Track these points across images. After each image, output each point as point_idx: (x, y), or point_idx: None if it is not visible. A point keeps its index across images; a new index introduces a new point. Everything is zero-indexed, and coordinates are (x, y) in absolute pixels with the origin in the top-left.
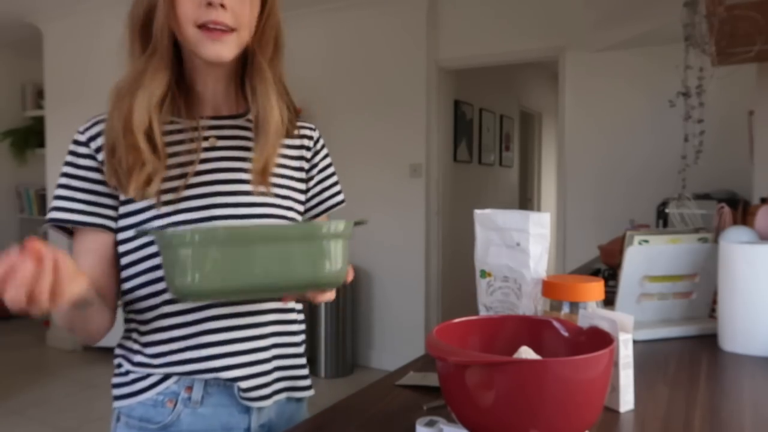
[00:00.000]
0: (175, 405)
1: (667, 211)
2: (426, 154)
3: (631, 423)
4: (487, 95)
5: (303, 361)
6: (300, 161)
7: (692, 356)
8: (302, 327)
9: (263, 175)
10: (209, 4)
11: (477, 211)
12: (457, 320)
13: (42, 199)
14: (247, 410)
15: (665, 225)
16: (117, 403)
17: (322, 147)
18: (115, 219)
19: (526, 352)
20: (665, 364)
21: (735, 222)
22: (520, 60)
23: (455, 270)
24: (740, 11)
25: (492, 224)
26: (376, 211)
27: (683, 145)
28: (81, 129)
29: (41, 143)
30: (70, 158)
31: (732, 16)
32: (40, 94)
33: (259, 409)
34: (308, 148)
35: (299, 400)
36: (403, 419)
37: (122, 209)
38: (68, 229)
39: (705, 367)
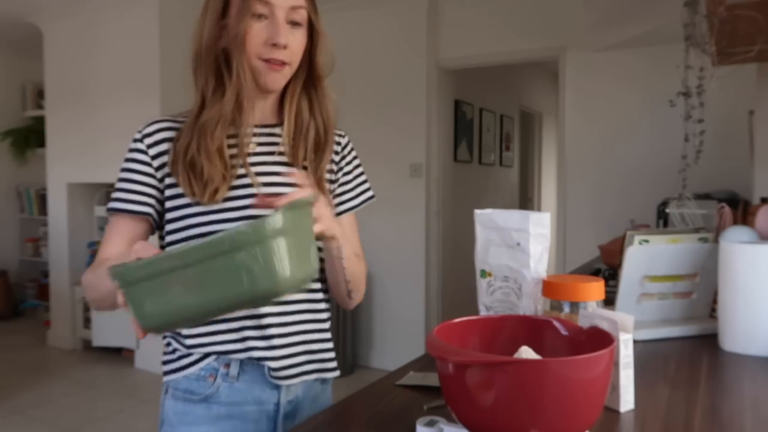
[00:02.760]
0: (215, 379)
1: (667, 210)
2: (426, 154)
3: (631, 423)
4: (488, 95)
5: (330, 345)
6: (330, 164)
7: (692, 356)
8: (328, 307)
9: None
10: (274, 45)
11: (477, 211)
12: (457, 320)
13: (42, 198)
14: (277, 387)
15: (665, 225)
16: (166, 378)
17: (350, 152)
18: (156, 209)
19: (526, 352)
20: (665, 364)
21: (735, 222)
22: (520, 60)
23: (455, 270)
24: (741, 11)
25: (492, 224)
26: (376, 211)
27: (683, 145)
28: (141, 136)
29: (41, 143)
30: (129, 157)
31: (732, 16)
32: (40, 94)
33: (288, 386)
34: (336, 153)
35: (324, 381)
36: (403, 419)
37: (169, 204)
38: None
39: (705, 367)
